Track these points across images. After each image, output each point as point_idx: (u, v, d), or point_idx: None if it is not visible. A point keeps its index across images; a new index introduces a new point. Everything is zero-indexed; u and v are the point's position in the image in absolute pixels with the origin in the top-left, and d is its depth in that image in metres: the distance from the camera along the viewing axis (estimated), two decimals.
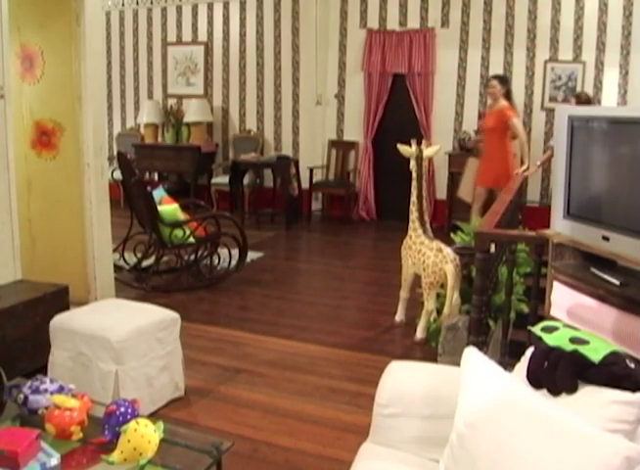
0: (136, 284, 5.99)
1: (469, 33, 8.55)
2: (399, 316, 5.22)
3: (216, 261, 6.41)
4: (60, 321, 3.64)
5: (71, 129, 5.07)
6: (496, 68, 8.45)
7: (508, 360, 3.71)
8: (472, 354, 2.08)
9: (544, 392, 1.96)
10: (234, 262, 6.40)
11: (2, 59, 4.16)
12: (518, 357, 2.19)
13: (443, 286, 4.62)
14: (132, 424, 2.30)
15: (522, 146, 6.78)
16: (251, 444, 3.36)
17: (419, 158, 4.95)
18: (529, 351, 2.11)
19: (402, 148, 5.08)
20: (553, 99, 8.25)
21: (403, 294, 5.17)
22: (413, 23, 8.79)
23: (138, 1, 10.32)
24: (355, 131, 9.32)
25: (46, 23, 4.98)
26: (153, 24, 10.36)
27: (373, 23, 9.01)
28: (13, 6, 4.33)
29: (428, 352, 4.54)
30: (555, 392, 1.93)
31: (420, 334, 4.82)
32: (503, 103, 6.80)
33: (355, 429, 3.37)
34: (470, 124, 8.62)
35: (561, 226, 2.87)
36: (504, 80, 7.02)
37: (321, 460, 3.25)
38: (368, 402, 2.52)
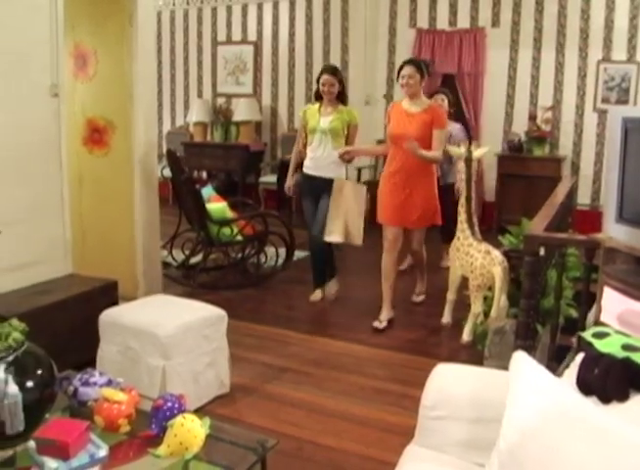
0: (183, 281, 6.05)
1: (519, 33, 8.43)
2: (446, 318, 5.17)
3: (263, 260, 6.44)
4: (109, 316, 3.71)
5: (123, 127, 5.15)
6: (547, 68, 8.33)
7: (556, 366, 3.66)
8: (521, 359, 2.05)
9: (594, 399, 1.92)
10: (280, 261, 6.43)
11: (57, 58, 4.25)
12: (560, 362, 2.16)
13: (491, 289, 4.57)
14: (179, 419, 2.33)
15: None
16: (295, 442, 3.37)
17: (468, 159, 4.91)
18: (579, 356, 2.07)
19: (451, 149, 5.06)
20: (606, 100, 8.08)
21: (450, 296, 5.13)
22: (463, 22, 8.71)
23: (189, 1, 10.44)
24: None
25: (100, 23, 5.07)
26: (203, 24, 10.46)
27: (422, 22, 8.95)
28: (68, 5, 4.41)
29: (474, 354, 4.48)
30: (605, 399, 1.89)
31: (466, 336, 4.78)
32: (431, 102, 5.26)
33: (399, 430, 3.35)
34: (520, 126, 8.49)
35: (613, 230, 2.82)
36: (424, 67, 4.94)
37: (364, 460, 3.25)
38: (413, 404, 2.51)
